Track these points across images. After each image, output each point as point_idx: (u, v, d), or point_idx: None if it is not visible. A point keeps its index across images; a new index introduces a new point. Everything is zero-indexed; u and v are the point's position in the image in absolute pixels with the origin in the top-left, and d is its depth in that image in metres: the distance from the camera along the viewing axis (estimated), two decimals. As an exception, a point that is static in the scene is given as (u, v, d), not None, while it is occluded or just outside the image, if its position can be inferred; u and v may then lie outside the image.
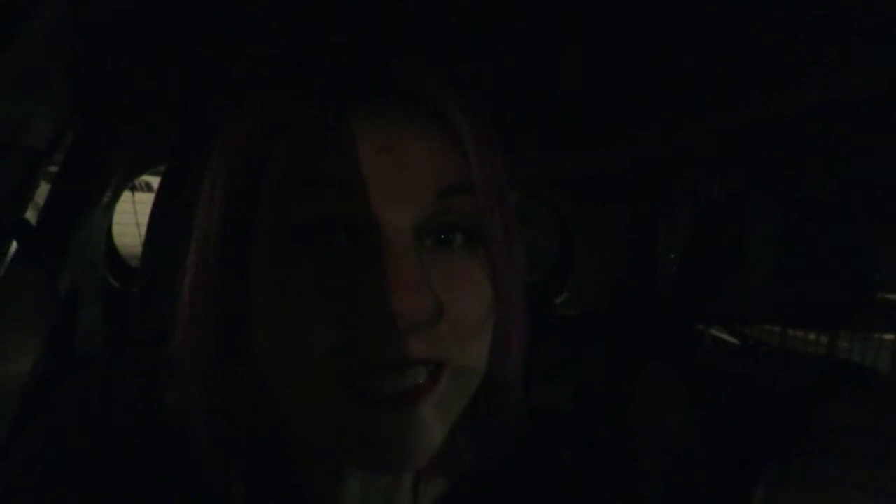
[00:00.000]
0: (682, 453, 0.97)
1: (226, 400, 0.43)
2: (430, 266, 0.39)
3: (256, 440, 0.45)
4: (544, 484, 0.56)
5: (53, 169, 1.14)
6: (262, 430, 0.45)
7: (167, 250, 0.79)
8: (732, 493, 0.84)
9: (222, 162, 0.42)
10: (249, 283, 0.41)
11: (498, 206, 0.44)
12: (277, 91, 0.41)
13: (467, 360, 0.42)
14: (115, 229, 2.09)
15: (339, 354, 0.38)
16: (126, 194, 1.90)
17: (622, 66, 1.00)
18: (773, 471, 0.83)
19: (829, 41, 0.87)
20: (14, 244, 0.92)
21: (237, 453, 0.45)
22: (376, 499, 0.49)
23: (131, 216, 2.33)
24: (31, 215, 0.97)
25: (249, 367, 0.42)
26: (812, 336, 2.63)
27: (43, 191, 1.09)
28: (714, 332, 1.85)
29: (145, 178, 1.99)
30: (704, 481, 0.90)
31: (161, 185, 0.80)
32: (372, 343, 0.38)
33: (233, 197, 0.41)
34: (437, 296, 0.38)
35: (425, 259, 0.39)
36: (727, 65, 0.98)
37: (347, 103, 0.40)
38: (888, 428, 0.80)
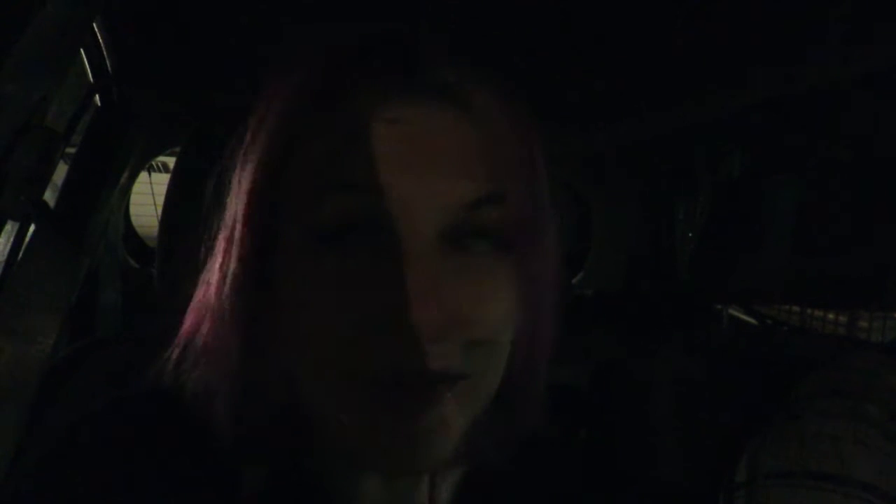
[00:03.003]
0: (700, 433, 0.97)
1: (249, 391, 0.43)
2: (454, 274, 0.38)
3: (277, 431, 0.45)
4: (561, 462, 0.56)
5: (71, 150, 1.14)
6: (283, 420, 0.45)
7: (184, 231, 0.79)
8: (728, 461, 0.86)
9: (248, 155, 0.41)
10: (275, 280, 0.41)
11: (533, 213, 0.42)
12: (305, 86, 0.40)
13: (484, 371, 0.41)
14: (133, 210, 2.10)
15: (358, 358, 0.38)
16: (143, 175, 1.91)
17: (639, 42, 0.99)
18: (758, 435, 0.85)
19: (847, 15, 0.85)
20: (33, 225, 0.93)
21: (259, 444, 0.45)
22: (396, 488, 0.50)
23: (149, 197, 2.35)
24: (49, 196, 0.97)
25: (273, 360, 0.42)
26: (831, 315, 2.61)
27: (61, 172, 1.09)
28: (732, 311, 1.84)
29: (162, 158, 2.00)
30: (717, 459, 0.90)
31: (177, 165, 0.81)
32: (389, 351, 0.37)
33: (259, 193, 0.40)
34: (457, 308, 0.37)
35: (449, 266, 0.38)
36: (746, 39, 0.96)
37: (378, 101, 0.39)
38: (858, 388, 0.81)
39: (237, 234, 0.41)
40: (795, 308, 2.30)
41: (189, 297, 0.45)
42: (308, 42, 0.43)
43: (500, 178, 0.39)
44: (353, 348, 0.38)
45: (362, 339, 0.37)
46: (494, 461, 0.49)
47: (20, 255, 0.90)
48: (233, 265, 0.42)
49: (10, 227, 0.87)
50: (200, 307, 0.44)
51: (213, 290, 0.43)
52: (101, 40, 0.94)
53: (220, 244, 0.43)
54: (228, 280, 0.42)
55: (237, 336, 0.42)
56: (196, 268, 0.45)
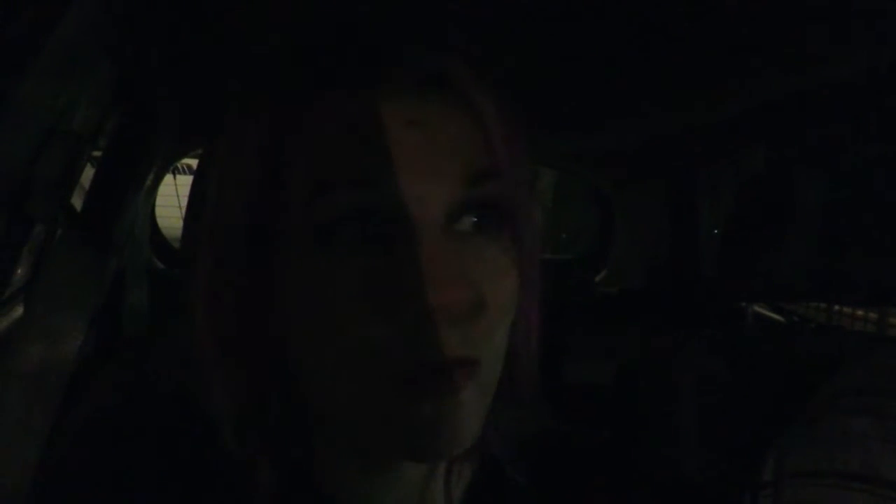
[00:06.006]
0: (724, 432, 0.96)
1: (251, 398, 0.43)
2: (465, 256, 0.39)
3: (283, 435, 0.45)
4: (583, 462, 0.56)
5: (97, 154, 1.16)
6: (288, 425, 0.45)
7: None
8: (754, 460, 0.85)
9: (236, 159, 0.41)
10: (274, 281, 0.40)
11: (523, 189, 0.43)
12: (294, 81, 0.40)
13: (494, 355, 0.42)
14: (159, 212, 2.13)
15: (380, 350, 0.38)
16: (168, 177, 1.93)
17: (661, 37, 0.98)
18: (785, 434, 0.84)
19: (874, 9, 0.84)
20: (61, 229, 0.94)
21: (263, 447, 0.45)
22: (409, 489, 0.49)
23: (174, 199, 2.38)
24: (76, 200, 0.99)
25: (275, 365, 0.42)
26: (860, 312, 2.57)
27: (88, 175, 1.11)
28: (758, 309, 1.82)
29: (186, 161, 2.02)
30: (742, 458, 0.89)
31: (199, 167, 0.81)
32: (412, 338, 0.37)
33: (249, 196, 0.40)
34: (475, 291, 0.38)
35: (460, 249, 0.39)
36: (770, 33, 0.95)
37: (372, 91, 0.39)
38: (886, 386, 0.81)
39: (227, 242, 0.41)
40: (822, 305, 2.27)
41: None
42: (302, 48, 0.42)
43: (493, 154, 0.40)
44: (376, 339, 0.37)
45: (385, 329, 0.37)
46: (502, 455, 0.49)
47: (48, 257, 0.92)
48: (224, 273, 0.41)
49: (39, 230, 0.89)
50: (196, 316, 0.44)
51: (207, 299, 0.43)
52: (126, 45, 0.95)
53: (209, 250, 0.43)
54: (222, 289, 0.42)
55: (236, 346, 0.42)
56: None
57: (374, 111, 0.38)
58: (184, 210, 0.82)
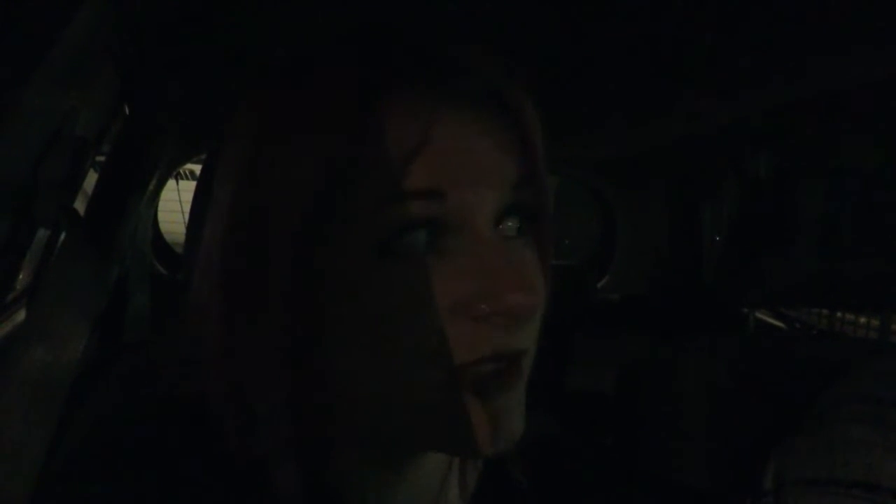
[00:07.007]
0: (725, 438, 0.96)
1: (286, 400, 0.42)
2: (515, 256, 0.41)
3: (307, 439, 0.44)
4: (586, 467, 0.56)
5: (101, 159, 1.16)
6: (313, 428, 0.45)
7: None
8: (755, 467, 0.85)
9: (295, 166, 0.40)
10: (322, 286, 0.40)
11: (550, 195, 0.45)
12: (361, 86, 0.39)
13: (534, 346, 0.43)
14: (161, 217, 2.14)
15: (447, 351, 0.39)
16: (170, 182, 1.94)
17: (662, 43, 0.98)
18: (785, 440, 0.85)
19: (878, 15, 0.84)
20: (64, 233, 0.94)
21: (285, 452, 0.44)
22: (426, 491, 0.50)
23: (176, 204, 2.38)
24: (80, 204, 0.99)
25: (313, 370, 0.42)
26: (863, 319, 2.57)
27: (91, 180, 1.11)
28: (759, 315, 1.82)
29: (189, 166, 2.03)
30: (743, 465, 0.89)
31: (202, 172, 0.82)
32: (480, 339, 0.39)
33: (307, 203, 0.39)
34: (534, 285, 0.40)
35: (510, 250, 0.41)
36: (771, 39, 0.95)
37: (439, 103, 0.39)
38: (888, 393, 0.80)
39: (280, 251, 0.40)
40: (824, 311, 2.27)
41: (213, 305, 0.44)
42: (361, 59, 0.42)
43: (533, 162, 0.42)
44: (440, 341, 0.38)
45: (450, 331, 0.38)
46: (506, 458, 0.50)
47: (52, 261, 0.92)
48: (275, 280, 0.40)
49: (42, 234, 0.89)
50: (228, 316, 0.43)
51: (246, 302, 0.42)
52: (129, 50, 0.95)
53: (258, 253, 0.41)
54: (266, 287, 0.41)
55: (277, 349, 0.42)
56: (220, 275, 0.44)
57: (443, 122, 0.39)
58: (187, 215, 0.82)
